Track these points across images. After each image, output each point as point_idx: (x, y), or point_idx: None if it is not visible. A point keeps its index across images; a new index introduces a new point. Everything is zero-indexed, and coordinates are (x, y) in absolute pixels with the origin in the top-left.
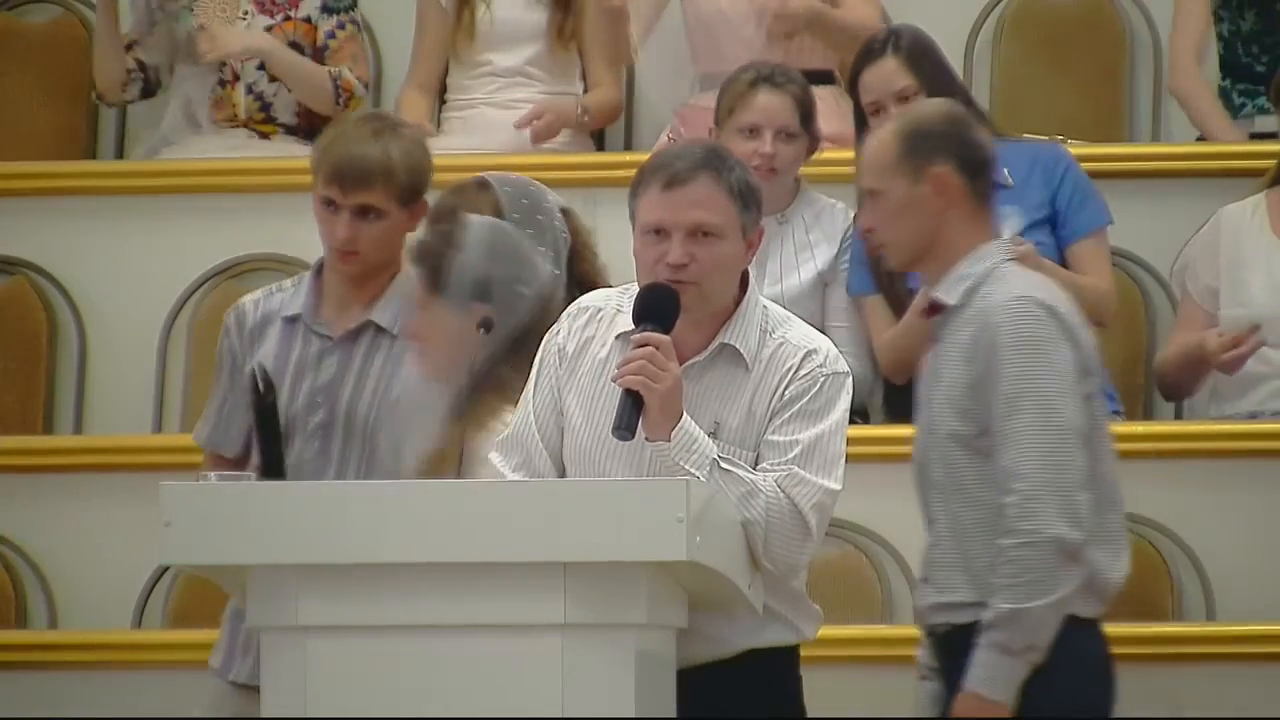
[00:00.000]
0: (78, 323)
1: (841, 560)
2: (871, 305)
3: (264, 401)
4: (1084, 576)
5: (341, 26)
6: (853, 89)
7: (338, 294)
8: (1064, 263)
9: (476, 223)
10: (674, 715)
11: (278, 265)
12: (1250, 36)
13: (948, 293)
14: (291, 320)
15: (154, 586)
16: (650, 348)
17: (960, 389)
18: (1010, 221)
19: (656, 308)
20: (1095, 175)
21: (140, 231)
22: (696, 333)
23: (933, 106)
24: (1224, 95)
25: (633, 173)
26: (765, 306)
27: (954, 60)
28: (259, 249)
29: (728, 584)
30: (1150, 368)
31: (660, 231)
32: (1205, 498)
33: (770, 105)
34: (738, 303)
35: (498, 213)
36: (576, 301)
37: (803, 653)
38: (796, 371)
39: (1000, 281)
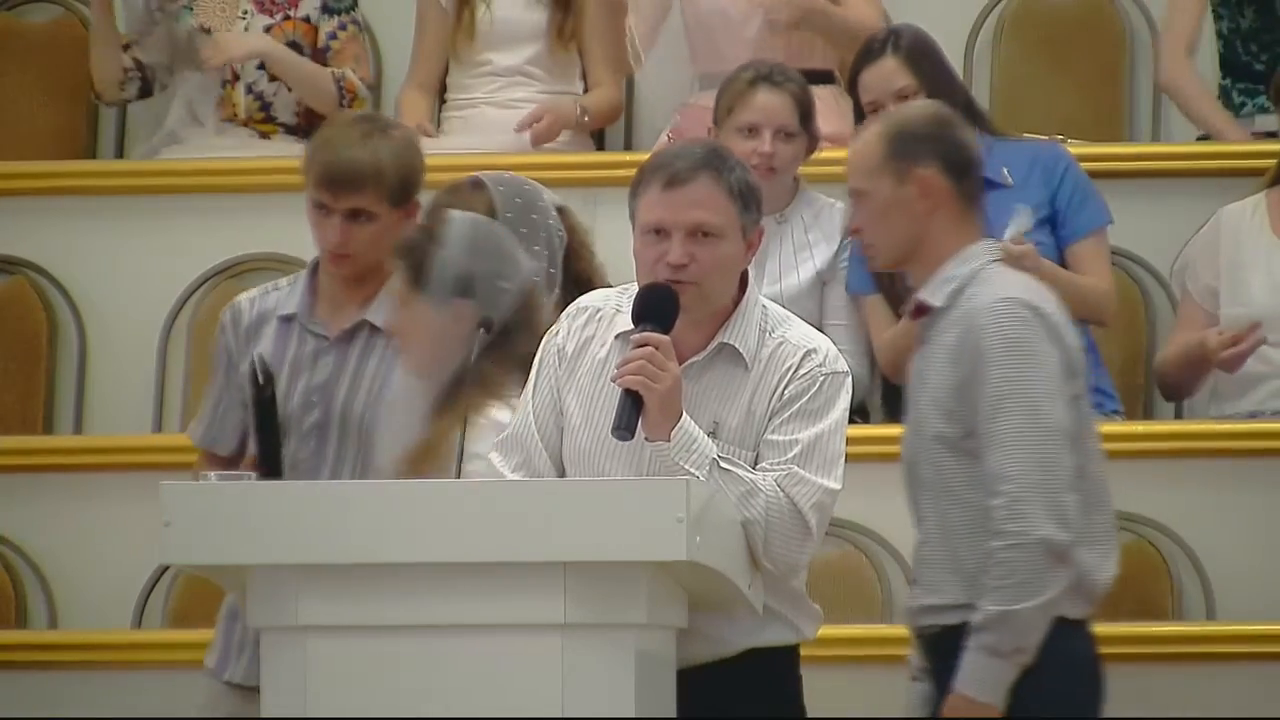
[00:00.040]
0: (78, 323)
1: (841, 560)
2: (871, 304)
3: (263, 394)
4: (1072, 578)
5: (343, 27)
6: (852, 88)
7: (333, 293)
8: (1064, 263)
9: (458, 219)
10: (674, 715)
11: (278, 265)
12: (1249, 34)
13: (933, 294)
14: (287, 319)
15: (154, 586)
16: (650, 348)
17: (946, 391)
18: (1022, 217)
19: (656, 308)
20: (1095, 175)
21: (140, 231)
22: (696, 332)
23: (918, 108)
24: (1224, 94)
25: (633, 173)
26: (764, 306)
27: (954, 60)
28: (259, 249)
29: (728, 584)
30: (1150, 368)
31: (660, 231)
32: (1205, 498)
33: (769, 104)
34: (737, 302)
35: (491, 212)
36: (576, 302)
37: (803, 653)
38: (796, 371)
39: (986, 283)
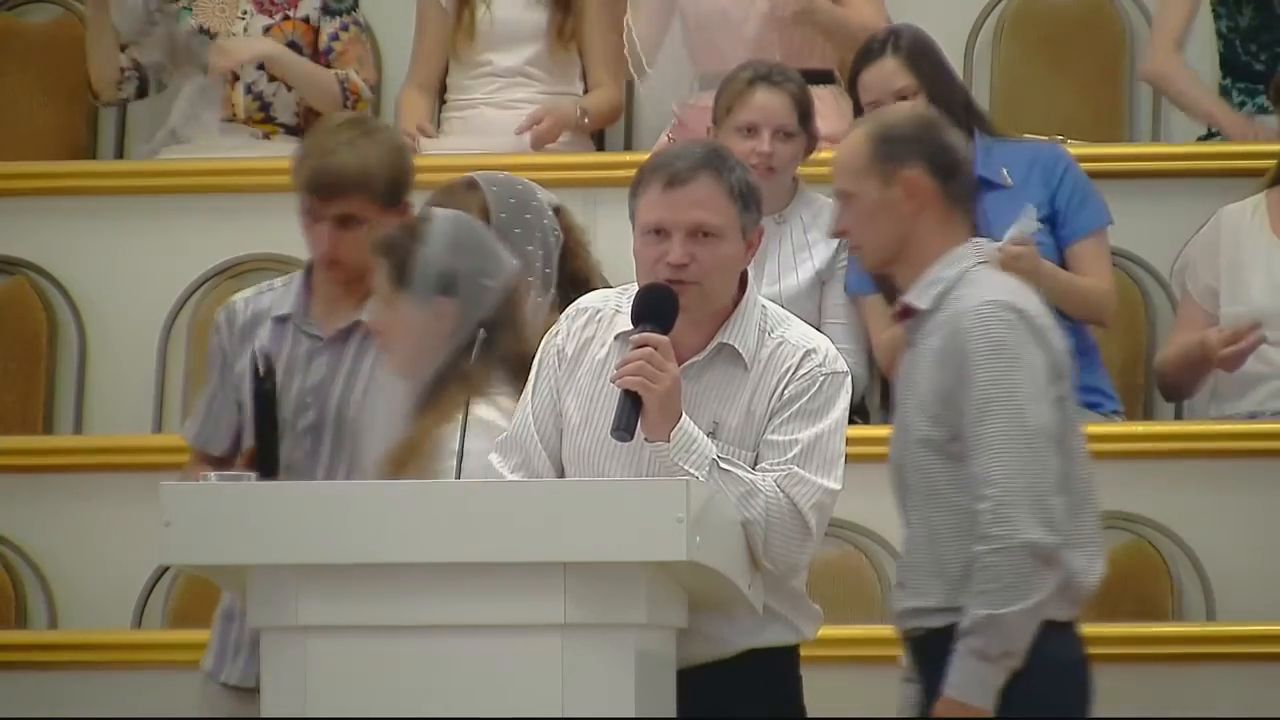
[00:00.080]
0: (78, 323)
1: (841, 560)
2: (870, 305)
3: (263, 385)
4: (1060, 580)
5: (345, 29)
6: (852, 88)
7: (328, 294)
8: (1063, 263)
9: (440, 216)
10: (674, 715)
11: (277, 265)
12: (1249, 33)
13: (919, 297)
14: (282, 320)
15: (154, 586)
16: (649, 348)
17: (931, 394)
18: (1026, 218)
19: (655, 308)
20: (1095, 175)
21: (140, 231)
22: (695, 333)
23: (904, 109)
24: (1224, 94)
25: (633, 173)
26: (764, 306)
27: (954, 60)
28: (259, 249)
29: (728, 584)
30: (1150, 368)
31: (660, 231)
32: (1205, 498)
33: (768, 104)
34: (736, 302)
35: (485, 212)
36: (575, 303)
37: (803, 653)
38: (795, 371)
39: (971, 285)
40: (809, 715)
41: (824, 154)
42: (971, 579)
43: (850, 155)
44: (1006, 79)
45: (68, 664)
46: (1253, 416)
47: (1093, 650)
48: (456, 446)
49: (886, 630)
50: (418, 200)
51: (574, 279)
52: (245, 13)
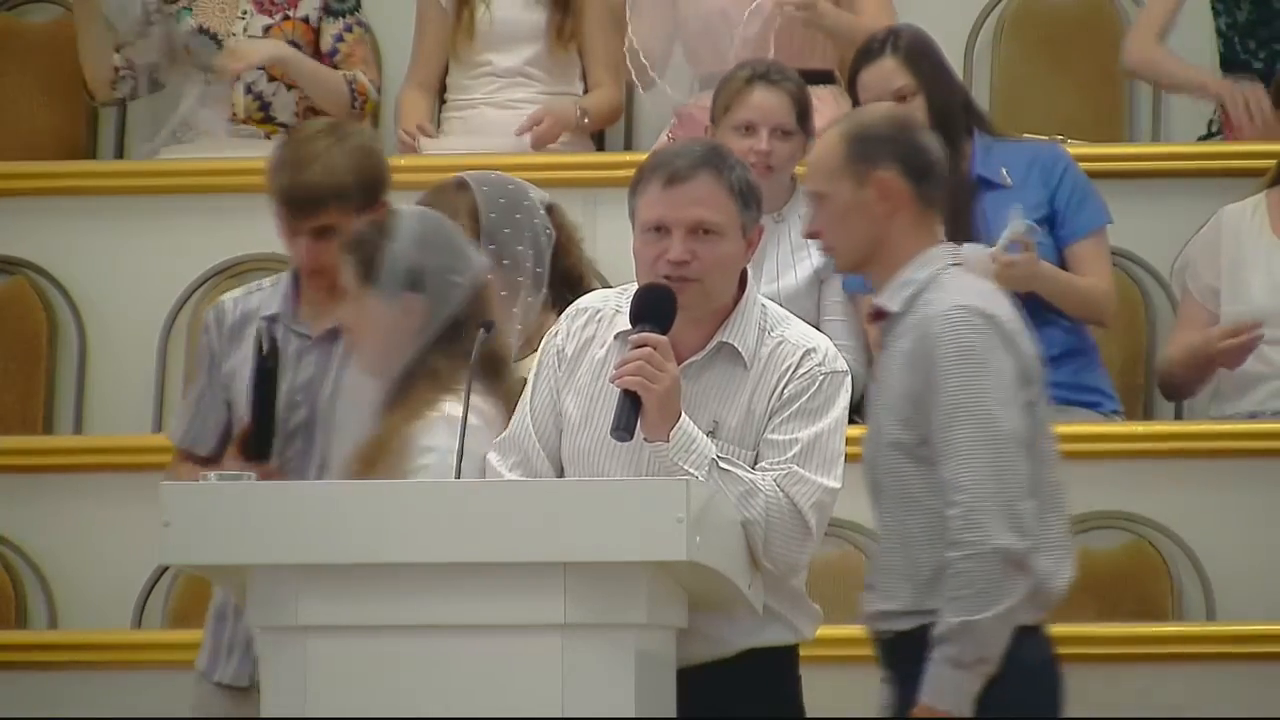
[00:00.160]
0: (78, 323)
1: (841, 560)
2: (868, 302)
3: (266, 363)
4: (1032, 585)
5: (349, 29)
6: (852, 88)
7: (314, 295)
8: (1063, 263)
9: (407, 213)
10: (674, 715)
11: (277, 265)
12: (1246, 29)
13: (891, 299)
14: (270, 320)
15: (154, 586)
16: (648, 348)
17: (901, 398)
18: (1016, 223)
19: (654, 308)
20: (1095, 175)
21: (140, 231)
22: (695, 332)
23: (879, 110)
24: None
25: (633, 173)
26: (763, 305)
27: (954, 60)
28: (259, 249)
29: (728, 584)
30: (1150, 368)
31: (660, 229)
32: (1205, 498)
33: (766, 103)
34: (736, 301)
35: (475, 212)
36: (575, 303)
37: (802, 653)
38: (795, 370)
39: (942, 288)
40: (808, 715)
41: None
42: (943, 585)
43: (824, 156)
44: (1006, 79)
45: (68, 664)
46: (1253, 416)
47: (1092, 650)
48: (427, 443)
49: None
50: (410, 200)
51: (567, 277)
52: (245, 12)
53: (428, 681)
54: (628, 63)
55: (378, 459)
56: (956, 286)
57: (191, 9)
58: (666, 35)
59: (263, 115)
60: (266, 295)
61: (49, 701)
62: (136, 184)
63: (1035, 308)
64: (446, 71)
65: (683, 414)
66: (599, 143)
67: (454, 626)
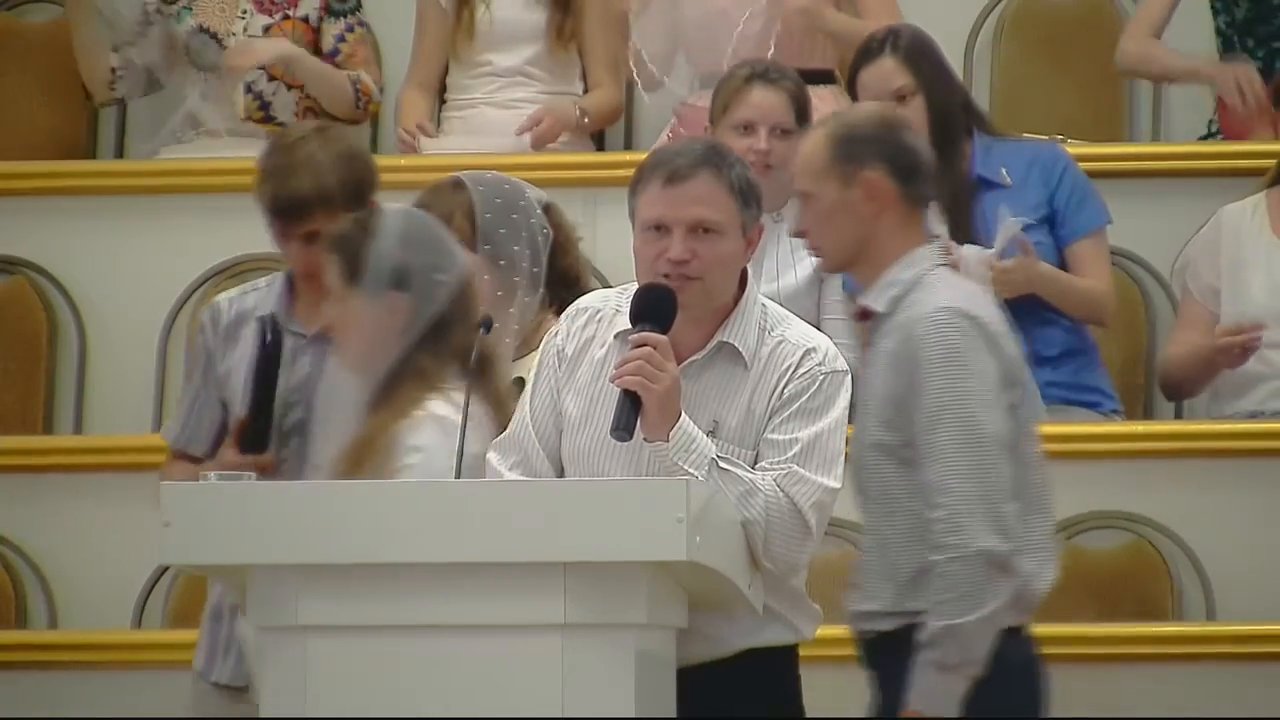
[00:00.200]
0: (78, 323)
1: (841, 560)
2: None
3: (269, 350)
4: (1016, 587)
5: (350, 29)
6: (851, 88)
7: (310, 293)
8: (1063, 263)
9: (391, 211)
10: (674, 715)
11: (277, 265)
12: (1244, 26)
13: (876, 300)
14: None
15: (154, 586)
16: (648, 348)
17: (885, 399)
18: (1007, 227)
19: (654, 308)
20: (1095, 175)
21: (140, 231)
22: (695, 331)
23: (866, 109)
24: None
25: (633, 172)
26: (764, 305)
27: (954, 60)
28: (259, 249)
29: (728, 584)
30: (1150, 368)
31: (661, 227)
32: (1205, 498)
33: (765, 102)
34: (736, 301)
35: (471, 213)
36: (575, 303)
37: (802, 652)
38: (795, 370)
39: (927, 290)
40: (808, 715)
41: None
42: (926, 588)
43: (810, 155)
44: (1006, 79)
45: (68, 664)
46: (1253, 416)
47: (1092, 650)
48: (414, 443)
49: None
50: (408, 200)
51: (564, 276)
52: (245, 12)
53: (428, 681)
54: (632, 67)
55: (364, 458)
56: (941, 287)
57: (191, 9)
58: (671, 36)
59: (263, 115)
60: (262, 295)
61: (49, 701)
62: (136, 184)
63: (1035, 308)
64: (446, 71)
65: (683, 414)
66: (599, 143)
67: (454, 626)
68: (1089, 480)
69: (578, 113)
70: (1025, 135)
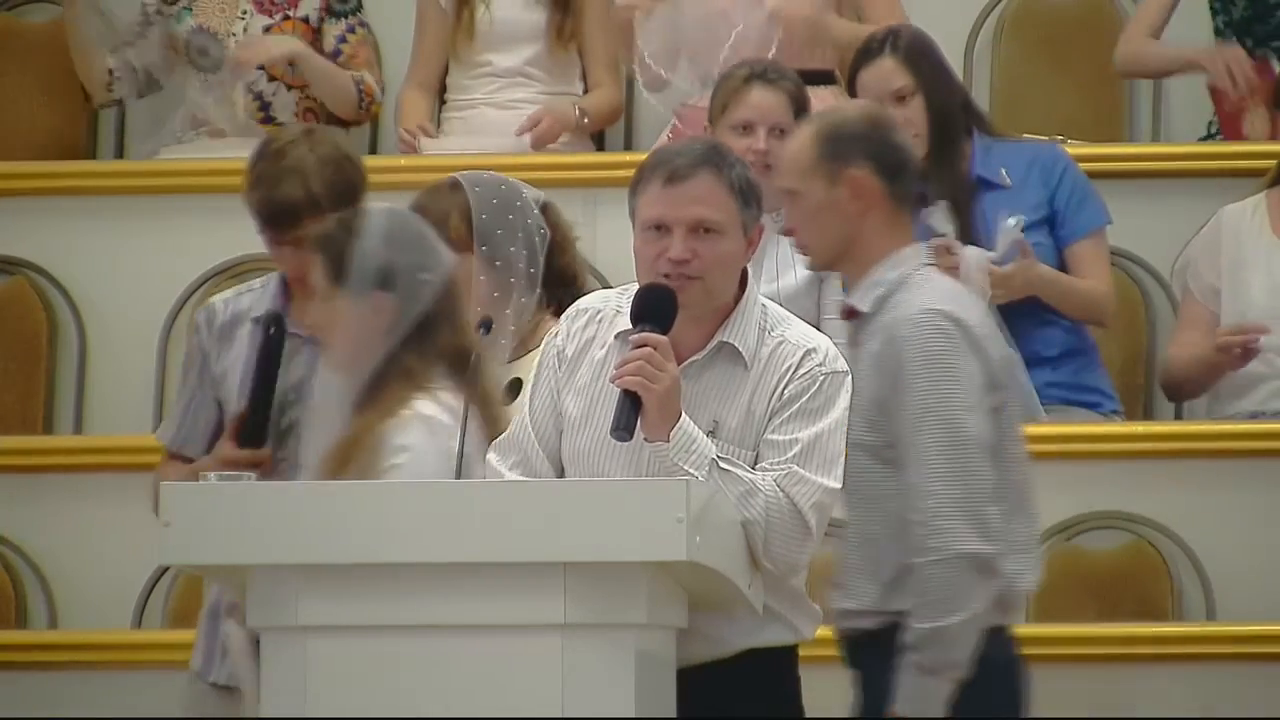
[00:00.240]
0: (78, 323)
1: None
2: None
3: (272, 345)
4: (998, 589)
5: (352, 30)
6: (851, 88)
7: (304, 296)
8: (1062, 263)
9: (375, 211)
10: (674, 715)
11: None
12: (1241, 25)
13: (861, 299)
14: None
15: (154, 586)
16: (648, 348)
17: (869, 400)
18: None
19: (654, 308)
20: (1095, 175)
21: (140, 231)
22: (695, 331)
23: (853, 108)
24: None
25: (633, 173)
26: (764, 305)
27: (954, 60)
28: (259, 249)
29: (728, 584)
30: (1150, 368)
31: (661, 227)
32: (1205, 498)
33: (764, 102)
34: (736, 301)
35: (467, 213)
36: (575, 304)
37: (802, 652)
38: (796, 370)
39: (912, 290)
40: (808, 715)
41: None
42: (908, 587)
43: (797, 153)
44: (1006, 79)
45: (68, 664)
46: (1253, 416)
47: (1092, 650)
48: (401, 442)
49: None
50: (404, 201)
51: (561, 276)
52: (245, 12)
53: (428, 681)
54: (636, 70)
55: (351, 458)
56: (926, 288)
57: (191, 9)
58: (673, 37)
59: (263, 115)
60: (256, 296)
61: (49, 701)
62: (136, 184)
63: (1034, 308)
64: (446, 71)
65: (683, 414)
66: (599, 143)
67: (454, 626)
68: (1089, 480)
69: (577, 113)
70: (1025, 135)
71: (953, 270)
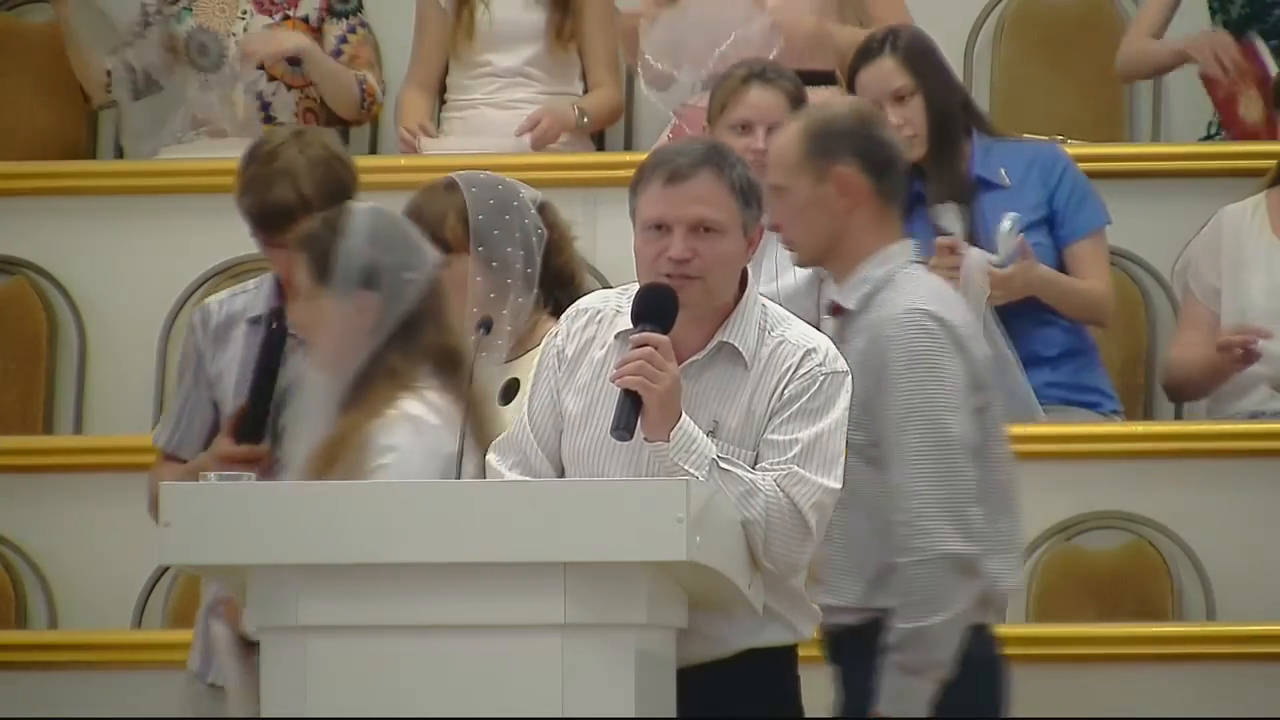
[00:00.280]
0: (78, 323)
1: None
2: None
3: (273, 341)
4: (981, 589)
5: (353, 30)
6: (851, 88)
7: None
8: (1061, 263)
9: (359, 210)
10: (674, 715)
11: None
12: (1239, 24)
13: (847, 297)
14: (256, 321)
15: (154, 586)
16: (649, 348)
17: (854, 400)
18: (1008, 237)
19: (655, 308)
20: (1095, 175)
21: (140, 231)
22: (696, 331)
23: (841, 104)
24: None
25: (633, 173)
26: (764, 305)
27: (954, 60)
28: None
29: (728, 584)
30: (1150, 368)
31: (661, 227)
32: (1205, 498)
33: (762, 101)
34: (736, 301)
35: (463, 214)
36: (575, 304)
37: (802, 652)
38: (796, 370)
39: (898, 288)
40: (807, 715)
41: None
42: (891, 587)
43: (784, 150)
44: (1006, 79)
45: (68, 664)
46: (1253, 416)
47: (1092, 650)
48: (387, 442)
49: None
50: (403, 201)
51: (559, 276)
52: (245, 12)
53: (428, 681)
54: (640, 71)
55: (337, 458)
56: (912, 287)
57: (191, 9)
58: (676, 43)
59: (263, 115)
60: (251, 297)
61: (49, 701)
62: (136, 184)
63: (1034, 308)
64: (446, 71)
65: (683, 414)
66: (599, 143)
67: (454, 626)
68: (1089, 480)
69: (576, 113)
70: (1025, 135)
71: (953, 270)
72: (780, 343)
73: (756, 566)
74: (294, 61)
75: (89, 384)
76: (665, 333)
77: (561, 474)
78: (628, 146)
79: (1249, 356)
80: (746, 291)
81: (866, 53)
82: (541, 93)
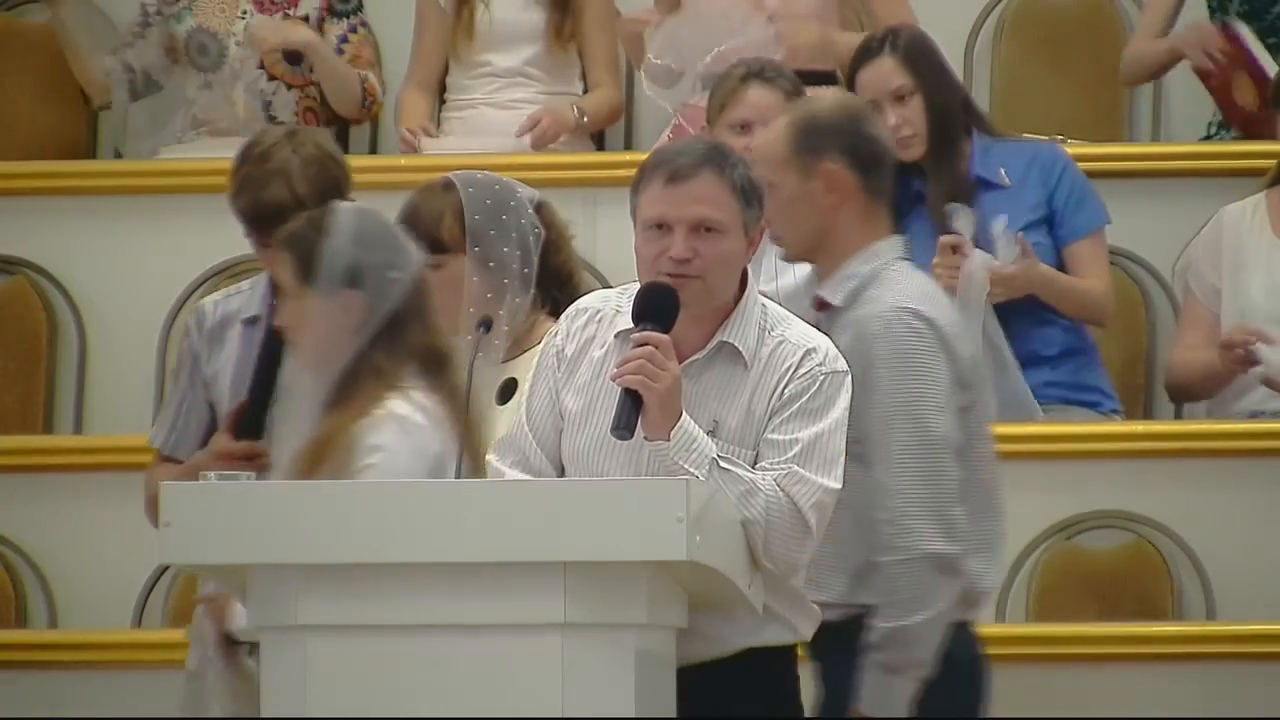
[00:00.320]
0: (78, 323)
1: None
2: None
3: (275, 344)
4: (963, 588)
5: (353, 30)
6: (851, 88)
7: None
8: (1061, 263)
9: (344, 209)
10: (674, 715)
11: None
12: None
13: (833, 293)
14: (251, 322)
15: (154, 586)
16: (649, 347)
17: None
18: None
19: (656, 307)
20: (1095, 175)
21: (140, 231)
22: (696, 331)
23: (829, 100)
24: None
25: (633, 173)
26: (764, 305)
27: (954, 60)
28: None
29: (728, 584)
30: (1150, 368)
31: (662, 226)
32: (1205, 498)
33: (761, 100)
34: (737, 301)
35: (460, 213)
36: (575, 304)
37: (800, 652)
38: (796, 370)
39: (885, 285)
40: (807, 715)
41: None
42: (873, 584)
43: (771, 145)
44: (1006, 79)
45: (68, 664)
46: (1253, 416)
47: (1092, 650)
48: (374, 442)
49: None
50: (400, 201)
51: (557, 275)
52: (245, 12)
53: (428, 681)
54: (644, 72)
55: (323, 458)
56: (899, 285)
57: (191, 9)
58: (679, 43)
59: (263, 115)
60: (246, 298)
61: (49, 701)
62: (136, 184)
63: (1033, 308)
64: (446, 71)
65: (683, 413)
66: (599, 143)
67: (454, 626)
68: (1089, 480)
69: (576, 113)
70: (1025, 135)
71: (954, 270)
72: (780, 342)
73: (756, 566)
74: (294, 59)
75: (89, 384)
76: (666, 332)
77: (561, 473)
78: (628, 146)
79: (1249, 358)
80: (747, 291)
81: (866, 52)
82: (541, 93)
